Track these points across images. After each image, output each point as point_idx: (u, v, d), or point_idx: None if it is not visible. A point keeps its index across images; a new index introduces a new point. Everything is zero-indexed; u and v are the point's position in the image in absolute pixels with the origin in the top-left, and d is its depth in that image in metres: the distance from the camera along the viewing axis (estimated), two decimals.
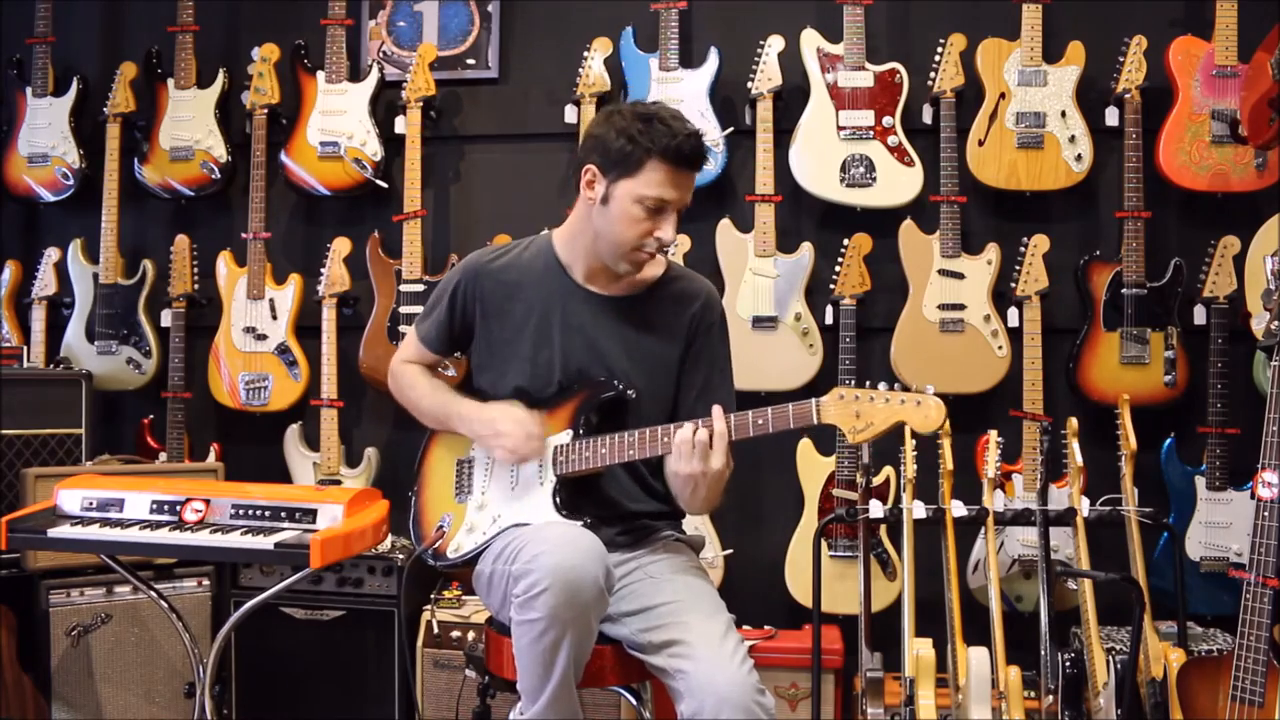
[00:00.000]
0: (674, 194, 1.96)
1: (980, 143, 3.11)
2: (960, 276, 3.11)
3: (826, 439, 3.12)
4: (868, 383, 1.85)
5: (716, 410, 1.91)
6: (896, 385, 1.84)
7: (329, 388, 3.35)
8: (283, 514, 2.15)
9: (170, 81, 3.50)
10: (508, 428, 2.02)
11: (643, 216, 1.96)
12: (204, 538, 2.11)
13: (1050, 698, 2.52)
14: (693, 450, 1.88)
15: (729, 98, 3.31)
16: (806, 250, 3.19)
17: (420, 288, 3.30)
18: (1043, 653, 2.58)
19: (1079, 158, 3.07)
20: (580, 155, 2.05)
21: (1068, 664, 2.49)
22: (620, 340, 2.08)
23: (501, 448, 2.02)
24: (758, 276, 3.18)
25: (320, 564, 2.03)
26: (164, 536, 2.12)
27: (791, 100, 3.24)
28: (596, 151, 1.99)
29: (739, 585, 3.17)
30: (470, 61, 3.51)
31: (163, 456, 3.41)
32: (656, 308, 2.11)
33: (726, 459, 1.91)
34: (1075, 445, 2.77)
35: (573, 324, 2.08)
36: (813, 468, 3.14)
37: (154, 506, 2.19)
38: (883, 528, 3.02)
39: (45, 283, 3.54)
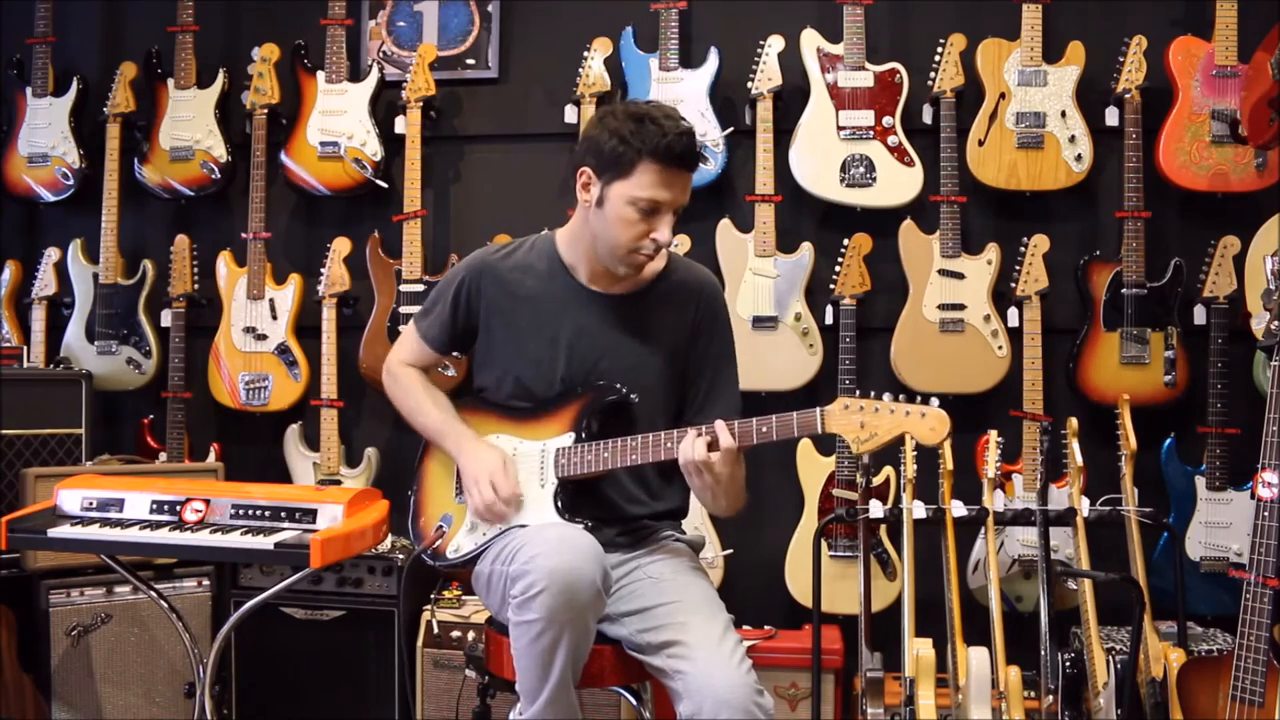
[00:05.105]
0: (667, 195, 1.93)
1: (980, 143, 3.11)
2: (960, 276, 3.11)
3: (826, 439, 3.12)
4: (873, 393, 1.84)
5: (719, 425, 1.89)
6: (901, 396, 1.83)
7: (329, 388, 3.35)
8: (283, 514, 2.15)
9: (170, 81, 3.49)
10: (486, 487, 1.99)
11: (637, 218, 1.94)
12: (204, 538, 2.11)
13: (1050, 698, 2.52)
14: (697, 467, 1.88)
15: (729, 98, 3.31)
16: (806, 250, 3.19)
17: (420, 288, 3.30)
18: (1043, 653, 2.58)
19: (1079, 158, 3.07)
20: (575, 157, 2.02)
21: (1068, 664, 2.48)
22: (624, 340, 2.07)
23: (478, 500, 2.00)
24: (758, 276, 3.18)
25: (320, 564, 2.03)
26: (164, 536, 2.12)
27: (791, 100, 3.24)
28: (590, 153, 1.97)
29: (739, 585, 3.17)
30: (470, 61, 3.51)
31: (163, 456, 3.41)
32: (659, 304, 2.10)
33: (737, 463, 1.90)
34: (1075, 445, 2.77)
35: (576, 324, 2.07)
36: (813, 468, 3.14)
37: (154, 506, 2.19)
38: (883, 528, 3.02)
39: (45, 283, 3.54)
